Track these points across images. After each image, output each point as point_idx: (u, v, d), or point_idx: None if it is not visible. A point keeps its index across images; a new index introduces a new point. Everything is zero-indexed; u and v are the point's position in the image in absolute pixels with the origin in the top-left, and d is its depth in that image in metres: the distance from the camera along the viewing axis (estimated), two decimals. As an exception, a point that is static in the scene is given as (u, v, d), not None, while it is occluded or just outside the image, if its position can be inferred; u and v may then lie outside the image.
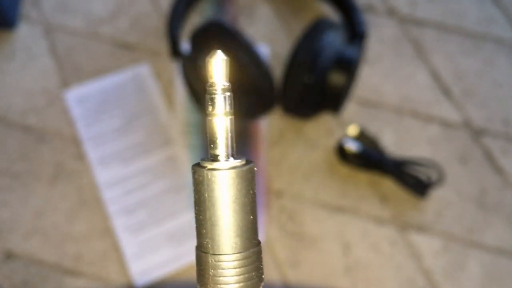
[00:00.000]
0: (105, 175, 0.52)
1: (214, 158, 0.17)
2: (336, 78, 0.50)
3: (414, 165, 0.54)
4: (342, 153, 0.55)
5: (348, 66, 0.50)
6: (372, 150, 0.55)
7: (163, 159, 0.54)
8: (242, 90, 0.48)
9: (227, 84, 0.17)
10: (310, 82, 0.49)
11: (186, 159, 0.53)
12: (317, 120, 0.58)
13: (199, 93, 0.51)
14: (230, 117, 0.17)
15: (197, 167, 0.17)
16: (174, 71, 0.57)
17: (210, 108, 0.17)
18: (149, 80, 0.56)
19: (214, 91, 0.17)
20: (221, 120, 0.17)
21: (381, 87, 0.59)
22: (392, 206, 0.54)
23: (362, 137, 0.55)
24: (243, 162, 0.17)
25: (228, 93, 0.17)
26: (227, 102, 0.17)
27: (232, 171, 0.17)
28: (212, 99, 0.17)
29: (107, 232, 0.51)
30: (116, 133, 0.55)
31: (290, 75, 0.50)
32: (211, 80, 0.17)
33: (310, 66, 0.49)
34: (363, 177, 0.55)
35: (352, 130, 0.56)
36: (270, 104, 0.52)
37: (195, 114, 0.56)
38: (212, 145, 0.17)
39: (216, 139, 0.17)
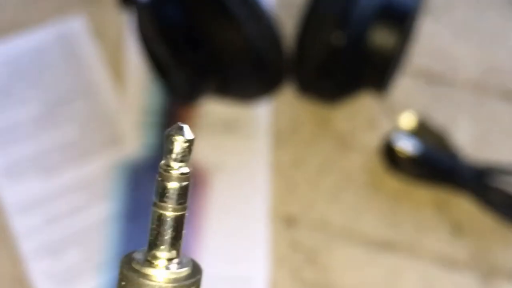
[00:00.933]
0: (15, 194, 0.54)
1: (151, 260, 0.20)
2: (382, 38, 0.52)
3: (505, 175, 0.55)
4: (391, 156, 0.57)
5: (400, 19, 0.52)
6: (439, 151, 0.57)
7: (107, 168, 0.55)
8: (233, 58, 0.51)
9: (187, 170, 0.20)
10: (340, 44, 0.51)
11: (144, 166, 0.55)
12: (351, 104, 0.59)
13: (165, 61, 0.52)
14: (183, 213, 0.20)
15: (126, 263, 0.20)
16: (124, 28, 0.58)
17: (158, 197, 0.20)
18: (84, 41, 0.58)
19: (167, 177, 0.20)
20: (170, 215, 0.20)
21: (452, 52, 0.61)
22: (470, 240, 0.55)
23: (422, 131, 0.57)
24: (188, 271, 0.20)
25: (185, 183, 0.20)
26: (183, 194, 0.20)
27: (170, 285, 0.20)
28: (163, 187, 0.20)
29: (19, 283, 0.52)
30: (33, 126, 0.56)
31: (309, 33, 0.52)
32: (166, 162, 0.20)
33: (341, 19, 0.51)
34: (425, 195, 0.56)
35: (407, 120, 0.57)
36: (277, 80, 0.54)
37: (158, 95, 0.57)
38: (152, 243, 0.20)
39: (160, 237, 0.20)
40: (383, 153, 0.57)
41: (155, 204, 0.20)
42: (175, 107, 0.56)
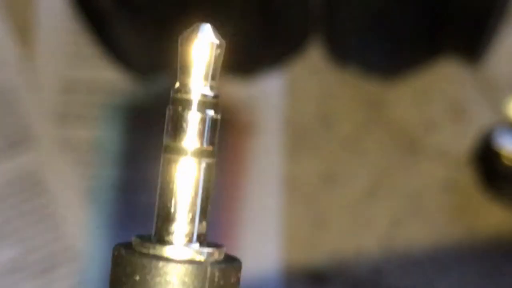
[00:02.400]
0: None
1: (164, 238, 0.18)
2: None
3: None
4: (489, 164, 0.51)
5: None
6: None
7: (12, 179, 0.52)
8: (225, 3, 0.48)
9: (212, 94, 0.18)
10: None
11: (67, 184, 0.52)
12: (419, 82, 0.53)
13: (106, 8, 0.48)
14: (209, 160, 0.18)
15: (125, 250, 0.18)
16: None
17: (170, 137, 0.18)
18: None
19: (184, 104, 0.18)
20: (191, 165, 0.18)
21: None
22: None
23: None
24: (220, 252, 0.18)
25: (211, 113, 0.18)
26: (208, 130, 0.18)
27: (194, 267, 0.18)
28: (178, 119, 0.18)
29: None
30: None
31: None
32: (182, 80, 0.18)
33: None
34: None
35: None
36: (298, 40, 0.51)
37: (89, 65, 0.53)
38: (163, 213, 0.18)
39: (176, 203, 0.18)
40: (475, 160, 0.51)
41: (166, 149, 0.18)
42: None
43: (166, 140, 0.18)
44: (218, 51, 0.18)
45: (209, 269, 0.18)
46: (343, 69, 0.51)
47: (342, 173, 0.52)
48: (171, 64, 0.48)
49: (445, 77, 0.52)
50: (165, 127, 0.18)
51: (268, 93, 0.53)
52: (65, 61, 0.53)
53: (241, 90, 0.53)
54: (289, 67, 0.51)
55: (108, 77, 0.52)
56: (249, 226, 0.53)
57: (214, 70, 0.18)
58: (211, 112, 0.18)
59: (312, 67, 0.52)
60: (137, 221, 0.54)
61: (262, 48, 0.49)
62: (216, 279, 0.18)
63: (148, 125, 0.53)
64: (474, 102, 0.53)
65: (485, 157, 0.50)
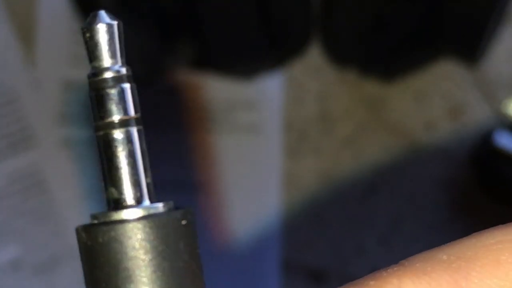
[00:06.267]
0: None
1: (116, 203, 0.19)
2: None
3: None
4: (489, 166, 0.51)
5: None
6: None
7: (12, 179, 0.52)
8: (224, 4, 0.48)
9: (122, 69, 0.19)
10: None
11: (67, 182, 0.53)
12: (419, 82, 0.53)
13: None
14: (137, 127, 0.19)
15: (86, 228, 0.19)
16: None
17: (98, 117, 0.19)
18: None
19: (101, 84, 0.19)
20: (123, 135, 0.19)
21: None
22: None
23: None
24: (168, 205, 0.19)
25: (127, 85, 0.19)
26: (128, 99, 0.19)
27: (147, 221, 0.19)
28: (100, 99, 0.19)
29: None
30: None
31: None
32: (94, 65, 0.19)
33: None
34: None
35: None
36: (298, 42, 0.51)
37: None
38: (109, 181, 0.19)
39: (116, 168, 0.19)
40: (475, 160, 0.52)
41: (97, 128, 0.19)
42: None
43: (95, 122, 0.19)
44: (118, 30, 0.19)
45: (168, 215, 0.19)
46: (343, 69, 0.51)
47: (342, 173, 0.52)
48: (171, 64, 0.46)
49: (445, 77, 0.53)
50: (92, 110, 0.19)
51: (268, 93, 0.53)
52: (65, 61, 0.53)
53: (241, 90, 0.53)
54: (289, 67, 0.51)
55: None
56: (249, 226, 0.54)
57: (120, 48, 0.19)
58: (126, 85, 0.19)
59: (312, 67, 0.52)
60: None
61: (263, 49, 0.50)
62: (177, 223, 0.19)
63: (148, 125, 0.53)
64: (474, 102, 0.53)
65: (485, 157, 0.50)
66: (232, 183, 0.54)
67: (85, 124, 0.53)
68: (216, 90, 0.54)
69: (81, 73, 0.48)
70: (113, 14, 0.19)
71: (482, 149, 0.51)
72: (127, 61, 0.20)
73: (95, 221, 0.19)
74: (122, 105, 0.19)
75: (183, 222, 0.19)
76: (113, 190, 0.19)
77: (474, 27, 0.49)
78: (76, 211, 0.51)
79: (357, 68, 0.51)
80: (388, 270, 0.17)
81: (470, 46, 0.49)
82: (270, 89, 0.54)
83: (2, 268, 0.55)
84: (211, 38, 0.50)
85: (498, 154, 0.50)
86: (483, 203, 0.52)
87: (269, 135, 0.54)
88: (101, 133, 0.19)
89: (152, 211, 0.19)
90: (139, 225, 0.18)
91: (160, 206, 0.19)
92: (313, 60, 0.52)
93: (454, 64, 0.52)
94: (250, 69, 0.52)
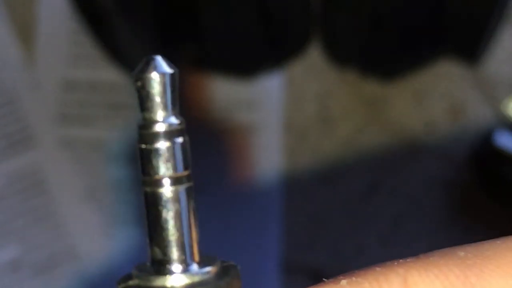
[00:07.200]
0: None
1: (159, 264, 0.19)
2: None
3: None
4: (490, 164, 0.51)
5: None
6: None
7: (12, 179, 0.52)
8: (226, 5, 0.48)
9: (176, 122, 0.18)
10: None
11: (66, 186, 0.53)
12: (419, 82, 0.53)
13: (107, 6, 0.48)
14: (188, 184, 0.19)
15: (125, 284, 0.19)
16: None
17: (146, 172, 0.18)
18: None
19: (152, 138, 0.18)
20: (172, 195, 0.18)
21: None
22: None
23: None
24: (215, 269, 0.19)
25: (180, 139, 0.18)
26: (180, 157, 0.18)
27: None
28: (149, 154, 0.18)
29: None
30: None
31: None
32: (145, 115, 0.18)
33: None
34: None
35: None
36: (298, 42, 0.51)
37: (89, 65, 0.54)
38: (154, 239, 0.19)
39: (162, 228, 0.18)
40: (475, 160, 0.51)
41: (145, 184, 0.18)
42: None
43: (143, 175, 0.19)
44: (173, 79, 0.18)
45: (213, 285, 0.18)
46: (343, 69, 0.51)
47: (342, 173, 0.52)
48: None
49: (445, 77, 0.52)
50: (140, 163, 0.19)
51: (268, 93, 0.53)
52: (65, 61, 0.53)
53: (241, 90, 0.53)
54: (289, 67, 0.51)
55: (108, 77, 0.53)
56: (249, 226, 0.54)
57: (173, 98, 0.18)
58: (179, 139, 0.18)
59: (312, 67, 0.52)
60: (137, 221, 0.54)
61: (263, 49, 0.49)
62: None
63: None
64: (474, 102, 0.53)
65: (485, 157, 0.50)
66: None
67: (85, 124, 0.53)
68: (216, 90, 0.54)
69: (81, 73, 0.53)
70: (169, 60, 0.18)
71: (482, 149, 0.51)
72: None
73: (137, 282, 0.19)
74: (172, 162, 0.18)
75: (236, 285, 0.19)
76: (157, 250, 0.18)
77: (474, 27, 0.48)
78: (76, 211, 0.50)
79: (357, 68, 0.51)
80: (400, 260, 0.16)
81: (470, 46, 0.49)
82: (270, 89, 0.54)
83: (2, 268, 0.54)
84: (211, 38, 0.50)
85: (498, 154, 0.50)
86: (483, 203, 0.52)
87: (269, 135, 0.53)
88: (148, 189, 0.18)
89: (197, 279, 0.18)
90: None
91: (206, 272, 0.18)
92: (313, 60, 0.52)
93: (454, 64, 0.51)
94: (250, 69, 0.51)
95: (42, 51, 0.54)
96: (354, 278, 0.16)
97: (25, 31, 0.54)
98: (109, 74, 0.52)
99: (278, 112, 0.54)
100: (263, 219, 0.55)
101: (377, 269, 0.16)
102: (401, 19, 0.48)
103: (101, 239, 0.53)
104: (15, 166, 0.53)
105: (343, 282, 0.17)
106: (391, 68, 0.51)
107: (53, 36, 0.54)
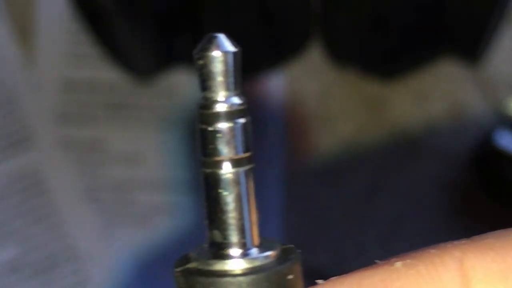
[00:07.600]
0: None
1: (219, 247, 0.18)
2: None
3: None
4: (490, 164, 0.51)
5: None
6: None
7: (12, 179, 0.52)
8: (226, 3, 0.48)
9: (238, 102, 0.18)
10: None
11: (65, 183, 0.53)
12: (420, 81, 0.53)
13: (108, 7, 0.48)
14: (249, 166, 0.18)
15: (185, 272, 0.18)
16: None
17: (206, 153, 0.18)
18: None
19: (213, 118, 0.18)
20: (232, 177, 0.18)
21: None
22: None
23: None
24: (276, 254, 0.19)
25: (241, 120, 0.18)
26: (241, 138, 0.18)
27: (252, 277, 0.18)
28: (210, 135, 0.18)
29: None
30: None
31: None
32: (206, 95, 0.18)
33: None
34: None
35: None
36: (298, 42, 0.51)
37: (89, 65, 0.53)
38: (213, 222, 0.18)
39: (222, 211, 0.18)
40: (475, 160, 0.51)
41: (205, 165, 0.18)
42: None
43: (202, 156, 0.18)
44: (236, 58, 0.18)
45: (274, 271, 0.18)
46: (343, 69, 0.51)
47: (342, 173, 0.52)
48: (170, 64, 0.46)
49: (445, 77, 0.52)
50: (199, 143, 0.18)
51: (268, 93, 0.53)
52: (65, 61, 0.53)
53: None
54: (289, 67, 0.51)
55: (108, 77, 0.52)
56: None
57: (235, 78, 0.18)
58: (241, 120, 0.18)
59: (312, 67, 0.52)
60: (137, 221, 0.54)
61: (263, 49, 0.49)
62: (284, 278, 0.18)
63: (148, 125, 0.53)
64: (474, 102, 0.53)
65: (485, 157, 0.50)
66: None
67: (85, 124, 0.53)
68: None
69: (81, 73, 0.52)
70: (233, 39, 0.18)
71: (482, 149, 0.51)
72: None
73: (196, 265, 0.18)
74: (233, 143, 0.18)
75: (290, 277, 0.18)
76: (217, 233, 0.18)
77: (474, 27, 0.48)
78: (76, 211, 0.50)
79: (357, 67, 0.51)
80: (455, 242, 0.16)
81: (470, 46, 0.49)
82: (270, 89, 0.55)
83: (1, 268, 0.54)
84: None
85: (498, 154, 0.50)
86: (483, 203, 0.52)
87: (269, 135, 0.53)
88: (207, 170, 0.18)
89: (257, 263, 0.18)
90: (242, 279, 0.18)
91: (266, 256, 0.18)
92: (313, 60, 0.52)
93: (454, 64, 0.51)
94: (250, 69, 0.50)
95: (42, 51, 0.54)
96: (409, 260, 0.16)
97: (25, 31, 0.54)
98: (109, 74, 0.52)
99: (278, 112, 0.54)
100: (262, 219, 0.55)
101: (432, 251, 0.16)
102: (401, 19, 0.48)
103: (101, 239, 0.53)
104: (15, 166, 0.53)
105: (398, 264, 0.16)
106: (391, 68, 0.51)
107: (53, 36, 0.54)
